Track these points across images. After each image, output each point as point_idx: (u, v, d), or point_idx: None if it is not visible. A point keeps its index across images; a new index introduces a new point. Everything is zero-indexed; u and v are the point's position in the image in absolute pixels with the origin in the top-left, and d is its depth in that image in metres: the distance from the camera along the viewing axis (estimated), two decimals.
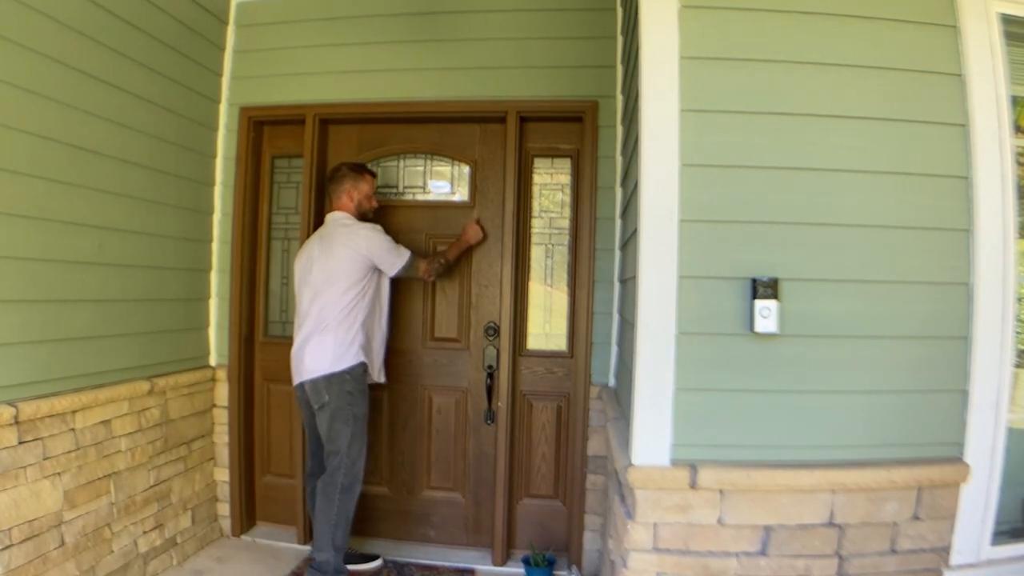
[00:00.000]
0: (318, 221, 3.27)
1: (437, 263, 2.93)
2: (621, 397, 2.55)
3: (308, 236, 3.20)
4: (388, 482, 3.36)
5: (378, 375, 2.93)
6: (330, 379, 2.70)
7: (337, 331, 2.72)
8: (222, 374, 3.26)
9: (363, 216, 2.91)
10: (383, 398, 3.32)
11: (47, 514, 2.21)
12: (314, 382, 2.71)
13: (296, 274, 2.90)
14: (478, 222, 3.13)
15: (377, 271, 2.83)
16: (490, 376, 3.17)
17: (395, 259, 2.83)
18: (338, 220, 2.88)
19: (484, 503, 3.25)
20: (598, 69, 3.06)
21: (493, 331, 3.20)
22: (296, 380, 2.81)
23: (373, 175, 2.98)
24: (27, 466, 2.13)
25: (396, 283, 3.03)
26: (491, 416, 3.16)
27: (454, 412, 3.31)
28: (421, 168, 3.38)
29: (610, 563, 2.29)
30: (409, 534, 3.32)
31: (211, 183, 3.26)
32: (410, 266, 2.85)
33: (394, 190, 3.37)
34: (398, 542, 3.30)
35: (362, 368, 2.78)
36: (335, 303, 2.73)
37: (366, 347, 2.81)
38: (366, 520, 3.23)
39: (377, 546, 3.23)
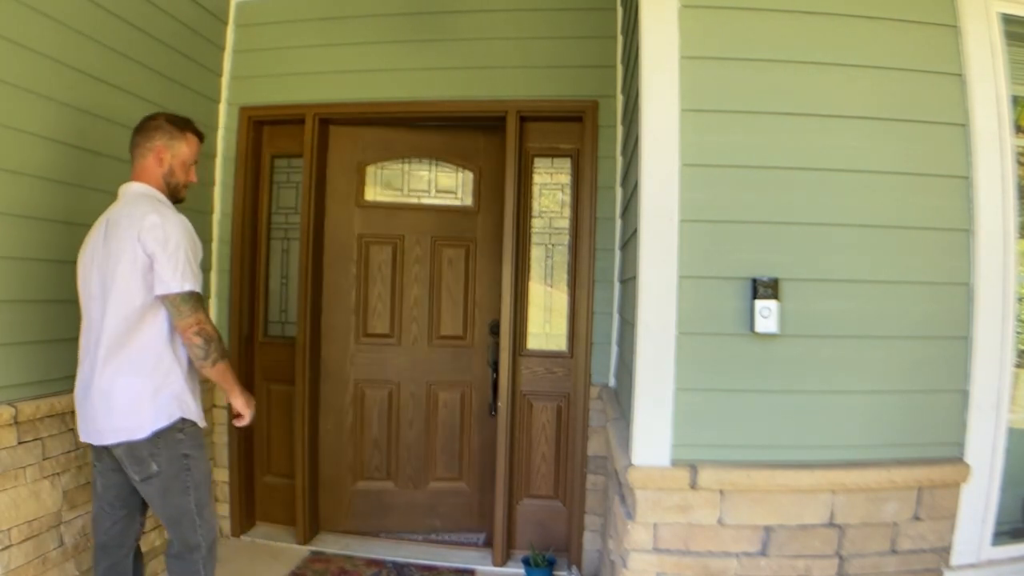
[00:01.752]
0: (318, 222, 3.29)
1: (206, 331, 1.93)
2: (621, 397, 2.55)
3: (308, 237, 3.22)
4: (394, 476, 3.45)
5: (200, 417, 2.05)
6: (155, 441, 1.90)
7: (153, 367, 1.91)
8: None
9: (174, 194, 2.09)
10: (385, 396, 3.35)
11: (47, 514, 2.21)
12: (131, 447, 1.90)
13: (79, 276, 2.03)
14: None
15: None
16: (495, 371, 3.21)
17: (177, 276, 1.87)
18: (135, 194, 1.99)
19: (487, 492, 3.32)
20: (598, 69, 3.05)
21: (497, 329, 3.23)
22: (90, 437, 1.96)
23: (199, 136, 2.15)
24: (27, 466, 2.13)
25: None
26: (494, 408, 3.19)
27: (459, 406, 3.43)
28: (427, 174, 3.43)
29: (610, 563, 2.29)
30: (416, 525, 3.41)
31: (211, 183, 3.26)
32: (187, 301, 1.89)
33: (399, 192, 3.40)
34: (399, 542, 3.30)
35: (192, 424, 1.99)
36: (136, 322, 1.88)
37: (190, 382, 2.00)
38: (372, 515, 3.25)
39: (380, 546, 3.23)
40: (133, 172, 2.03)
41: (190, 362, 1.98)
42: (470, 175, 3.42)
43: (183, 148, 2.07)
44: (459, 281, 3.42)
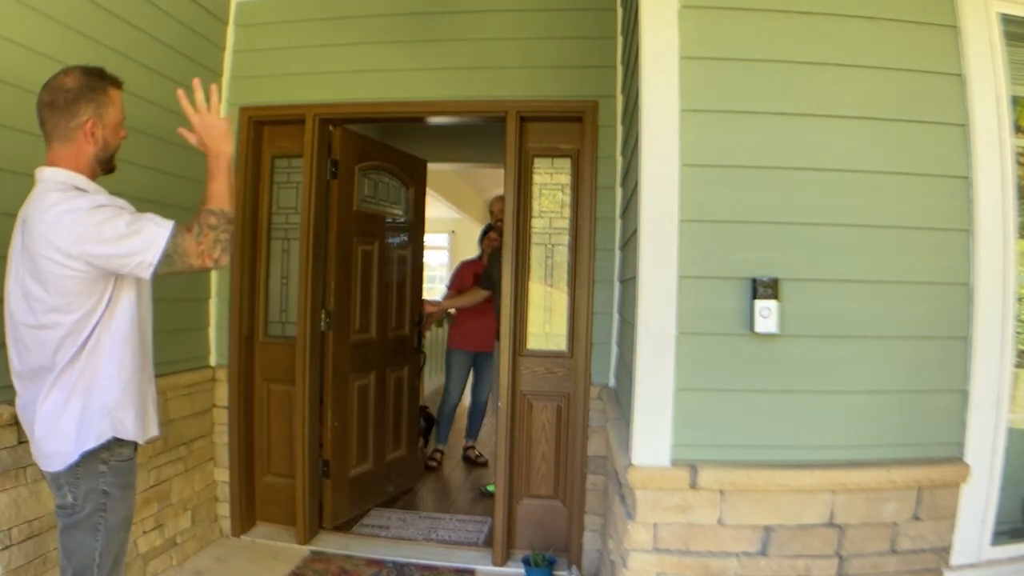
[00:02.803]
0: (319, 222, 3.29)
1: (208, 227, 1.65)
2: (621, 397, 2.55)
3: (308, 237, 3.22)
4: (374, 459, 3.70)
5: (156, 427, 1.84)
6: (74, 469, 1.65)
7: (75, 384, 1.63)
8: (222, 374, 3.26)
9: (108, 165, 1.78)
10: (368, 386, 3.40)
11: (47, 514, 2.21)
12: (54, 475, 1.67)
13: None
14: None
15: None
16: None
17: (142, 250, 1.57)
18: (49, 185, 1.65)
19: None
20: (598, 69, 3.06)
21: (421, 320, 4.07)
22: (33, 453, 1.73)
23: (119, 85, 1.79)
24: (27, 466, 2.13)
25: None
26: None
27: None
28: None
29: (610, 563, 2.29)
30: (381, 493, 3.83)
31: None
32: (168, 258, 1.60)
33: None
34: (399, 541, 3.31)
35: (124, 446, 1.70)
36: (55, 334, 1.61)
37: (136, 399, 1.72)
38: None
39: (380, 546, 3.23)
40: (49, 155, 1.67)
41: (134, 369, 1.71)
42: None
43: (111, 111, 1.72)
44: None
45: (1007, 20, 1.96)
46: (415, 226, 4.16)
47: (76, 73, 1.67)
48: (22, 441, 2.10)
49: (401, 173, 3.99)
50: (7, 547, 2.05)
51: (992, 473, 1.93)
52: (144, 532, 2.71)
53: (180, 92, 1.77)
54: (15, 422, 2.07)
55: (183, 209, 2.99)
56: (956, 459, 1.93)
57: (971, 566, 1.94)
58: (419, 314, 4.19)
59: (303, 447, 3.23)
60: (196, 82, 1.75)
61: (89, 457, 1.65)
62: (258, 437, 3.38)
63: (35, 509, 2.16)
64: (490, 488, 3.75)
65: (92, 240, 1.55)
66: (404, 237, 4.06)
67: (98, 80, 1.70)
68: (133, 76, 2.64)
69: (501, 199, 3.82)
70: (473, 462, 4.81)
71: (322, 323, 3.36)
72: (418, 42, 3.17)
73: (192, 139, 1.77)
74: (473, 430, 4.90)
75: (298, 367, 3.24)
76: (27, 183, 2.17)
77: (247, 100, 3.28)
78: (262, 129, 3.34)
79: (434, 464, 4.67)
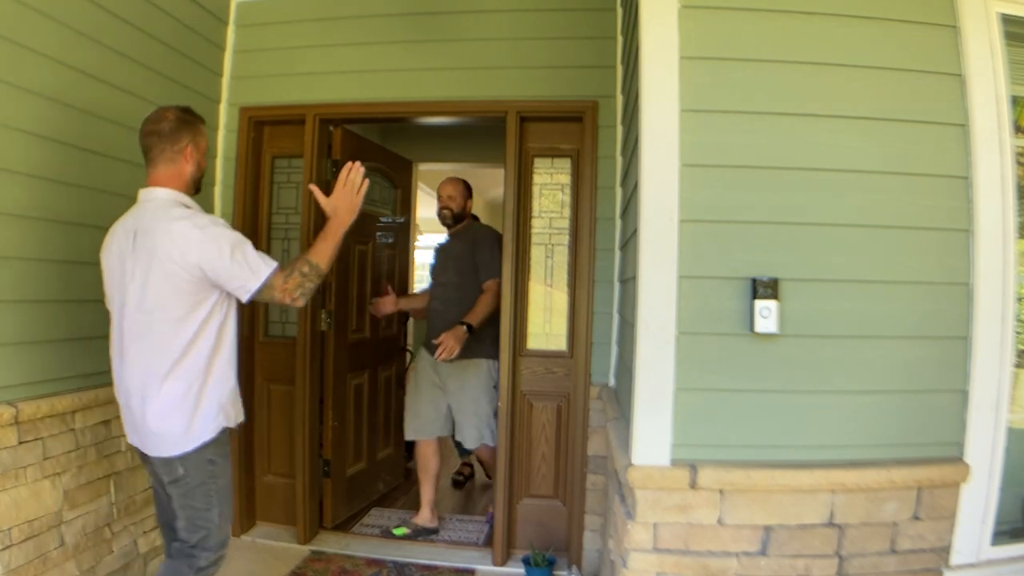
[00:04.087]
0: (319, 222, 3.28)
1: (299, 274, 1.93)
2: (621, 397, 2.55)
3: (309, 237, 3.21)
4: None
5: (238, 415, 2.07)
6: (185, 452, 1.92)
7: (185, 382, 1.87)
8: None
9: (198, 186, 2.04)
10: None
11: (47, 514, 2.21)
12: (164, 459, 1.91)
13: (105, 280, 1.97)
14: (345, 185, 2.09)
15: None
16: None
17: (248, 274, 1.86)
18: (164, 202, 1.90)
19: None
20: (598, 69, 3.06)
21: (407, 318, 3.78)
22: (133, 438, 1.97)
23: (203, 121, 2.06)
24: (27, 466, 2.13)
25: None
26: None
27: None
28: None
29: (610, 563, 2.29)
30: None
31: (211, 183, 3.26)
32: (270, 286, 1.89)
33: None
34: (399, 541, 3.31)
35: (225, 434, 1.98)
36: (171, 335, 1.85)
37: (237, 394, 2.02)
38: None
39: (380, 546, 3.23)
40: (155, 176, 1.92)
41: (229, 368, 1.97)
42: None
43: (202, 140, 2.01)
44: None
45: (1007, 20, 1.96)
46: (403, 226, 4.22)
47: (174, 109, 1.97)
48: (22, 441, 2.11)
49: (392, 174, 4.01)
50: (8, 547, 2.05)
51: (992, 473, 1.93)
52: (144, 532, 2.71)
53: (314, 187, 2.14)
54: (15, 422, 2.07)
55: None
56: (956, 459, 1.93)
57: (971, 566, 1.94)
58: (405, 313, 4.10)
59: (303, 447, 3.23)
60: (357, 165, 2.09)
61: (198, 442, 1.89)
62: (258, 437, 3.37)
63: (35, 509, 2.16)
64: (397, 532, 3.38)
65: (214, 254, 1.82)
66: (392, 237, 4.10)
67: (191, 115, 2.00)
68: (133, 76, 2.65)
69: (449, 181, 3.52)
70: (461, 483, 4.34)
71: (324, 323, 3.36)
72: (418, 42, 3.17)
73: (322, 200, 2.07)
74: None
75: (299, 367, 3.24)
76: (27, 182, 2.18)
77: (247, 100, 3.28)
78: (262, 129, 3.34)
79: (461, 479, 4.34)
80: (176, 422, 1.87)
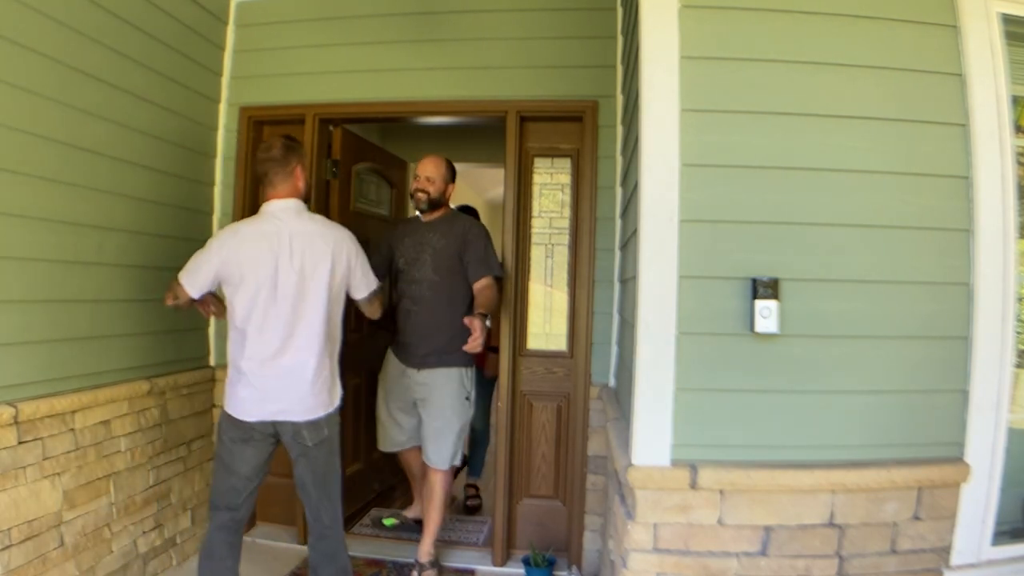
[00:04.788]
0: None
1: (380, 301, 2.58)
2: (621, 397, 2.55)
3: None
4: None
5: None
6: (331, 413, 2.35)
7: (331, 356, 2.35)
8: (222, 374, 3.23)
9: (306, 198, 2.49)
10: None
11: (47, 514, 2.21)
12: (312, 422, 2.29)
13: (250, 271, 2.24)
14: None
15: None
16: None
17: (370, 278, 2.47)
18: (300, 210, 2.36)
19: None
20: (598, 69, 3.05)
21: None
22: (268, 415, 2.26)
23: (303, 145, 2.58)
24: (27, 466, 2.13)
25: None
26: None
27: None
28: None
29: (610, 563, 2.29)
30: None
31: (211, 183, 3.26)
32: (377, 294, 2.51)
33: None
34: (399, 541, 3.31)
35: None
36: (328, 319, 2.32)
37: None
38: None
39: (380, 546, 3.23)
40: (278, 191, 2.34)
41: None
42: None
43: (305, 160, 2.45)
44: None
45: (1007, 20, 1.95)
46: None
47: (281, 138, 2.42)
48: (22, 441, 2.11)
49: (388, 173, 4.00)
50: (7, 547, 2.05)
51: (992, 473, 1.93)
52: (144, 532, 2.71)
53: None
54: (15, 422, 2.07)
55: (182, 208, 3.01)
56: (956, 459, 1.93)
57: (971, 566, 1.94)
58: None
59: None
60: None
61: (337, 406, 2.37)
62: None
63: (35, 509, 2.16)
64: (387, 522, 3.38)
65: (359, 256, 2.42)
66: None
67: (295, 141, 2.46)
68: (133, 76, 2.65)
69: (430, 160, 3.06)
70: (470, 509, 3.96)
71: None
72: (418, 42, 3.17)
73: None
74: (476, 465, 4.07)
75: None
76: (28, 183, 2.18)
77: (247, 100, 3.28)
78: (262, 129, 3.33)
79: (475, 503, 3.99)
80: (327, 388, 2.33)
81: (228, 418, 2.29)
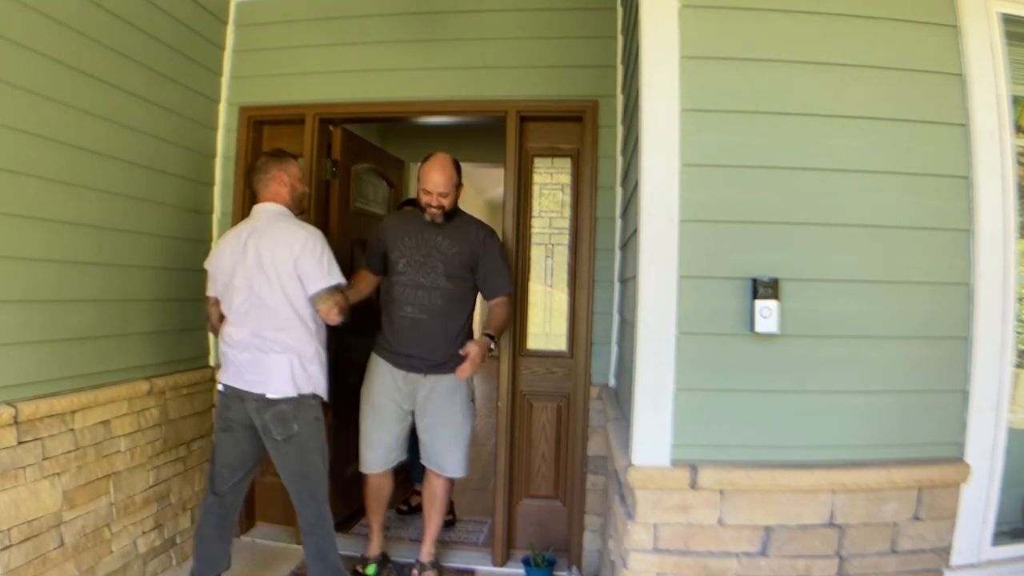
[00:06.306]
0: (319, 222, 3.28)
1: (345, 301, 2.47)
2: (621, 397, 2.55)
3: None
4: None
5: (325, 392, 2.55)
6: (297, 404, 2.40)
7: (298, 342, 2.42)
8: None
9: (300, 204, 2.62)
10: None
11: (46, 514, 2.21)
12: (279, 410, 2.39)
13: (217, 271, 2.52)
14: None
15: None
16: None
17: (327, 275, 2.41)
18: (273, 212, 2.50)
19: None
20: (598, 69, 3.05)
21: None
22: (240, 384, 2.44)
23: (295, 156, 2.67)
24: (26, 466, 2.13)
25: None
26: None
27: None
28: None
29: (610, 563, 2.29)
30: None
31: (211, 183, 3.26)
32: (331, 292, 2.42)
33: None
34: (399, 542, 3.31)
35: (317, 398, 2.49)
36: (288, 313, 2.41)
37: (323, 365, 2.53)
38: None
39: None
40: (261, 196, 2.52)
41: (321, 345, 2.49)
42: None
43: (291, 167, 2.57)
44: None
45: (1007, 20, 1.96)
46: None
47: (265, 153, 2.70)
48: (22, 441, 2.11)
49: (386, 173, 4.00)
50: (7, 547, 2.05)
51: (992, 473, 1.93)
52: (143, 532, 2.71)
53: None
54: (15, 422, 2.07)
55: (181, 208, 3.01)
56: (956, 459, 1.93)
57: (971, 566, 1.94)
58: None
59: None
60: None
61: (307, 395, 2.43)
62: None
63: (35, 509, 2.16)
64: (369, 571, 2.95)
65: (316, 251, 2.42)
66: None
67: (282, 152, 2.63)
68: (133, 76, 2.65)
69: (438, 167, 2.79)
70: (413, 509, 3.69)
71: None
72: (418, 42, 3.17)
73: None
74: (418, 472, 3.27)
75: None
76: (28, 183, 2.18)
77: (247, 100, 3.28)
78: (262, 129, 3.33)
79: (406, 509, 3.76)
80: (286, 376, 2.43)
81: (217, 405, 2.53)
